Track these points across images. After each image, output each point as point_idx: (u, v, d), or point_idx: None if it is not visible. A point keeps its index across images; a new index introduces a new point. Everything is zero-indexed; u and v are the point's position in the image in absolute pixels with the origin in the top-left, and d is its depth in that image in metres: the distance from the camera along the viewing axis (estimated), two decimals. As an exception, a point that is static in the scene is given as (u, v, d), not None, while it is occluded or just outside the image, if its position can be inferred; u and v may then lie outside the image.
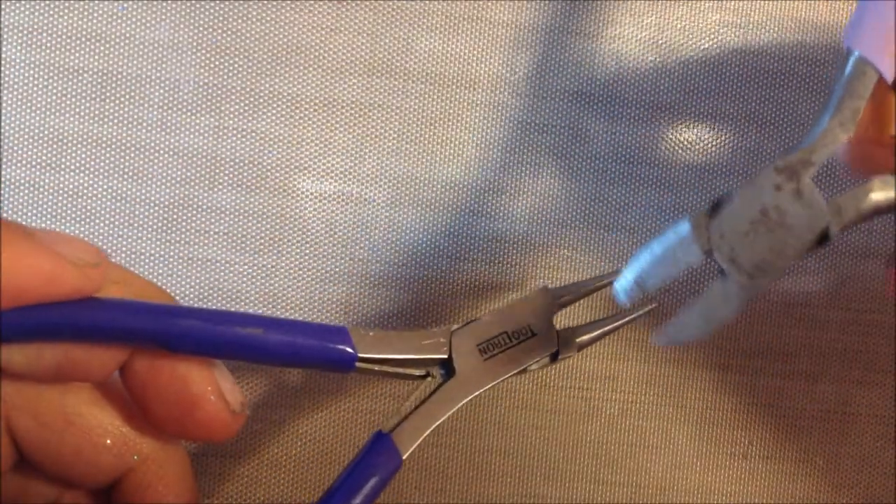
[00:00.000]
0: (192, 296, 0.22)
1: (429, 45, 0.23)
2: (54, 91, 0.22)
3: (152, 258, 0.22)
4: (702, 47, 0.24)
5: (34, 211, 0.22)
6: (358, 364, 0.17)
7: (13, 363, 0.15)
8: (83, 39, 0.22)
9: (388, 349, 0.18)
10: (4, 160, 0.22)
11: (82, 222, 0.22)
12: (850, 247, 0.24)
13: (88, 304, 0.15)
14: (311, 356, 0.17)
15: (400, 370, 0.18)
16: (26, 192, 0.22)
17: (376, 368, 0.18)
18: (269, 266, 0.23)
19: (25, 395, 0.16)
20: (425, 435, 0.18)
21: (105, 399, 0.17)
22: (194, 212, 0.22)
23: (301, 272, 0.23)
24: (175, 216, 0.22)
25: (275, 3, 0.23)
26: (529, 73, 0.23)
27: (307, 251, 0.23)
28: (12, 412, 0.16)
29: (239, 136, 0.23)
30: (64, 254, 0.15)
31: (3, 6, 0.22)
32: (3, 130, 0.22)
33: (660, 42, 0.24)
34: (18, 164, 0.22)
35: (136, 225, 0.22)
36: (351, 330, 0.17)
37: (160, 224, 0.22)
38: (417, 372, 0.18)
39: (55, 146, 0.22)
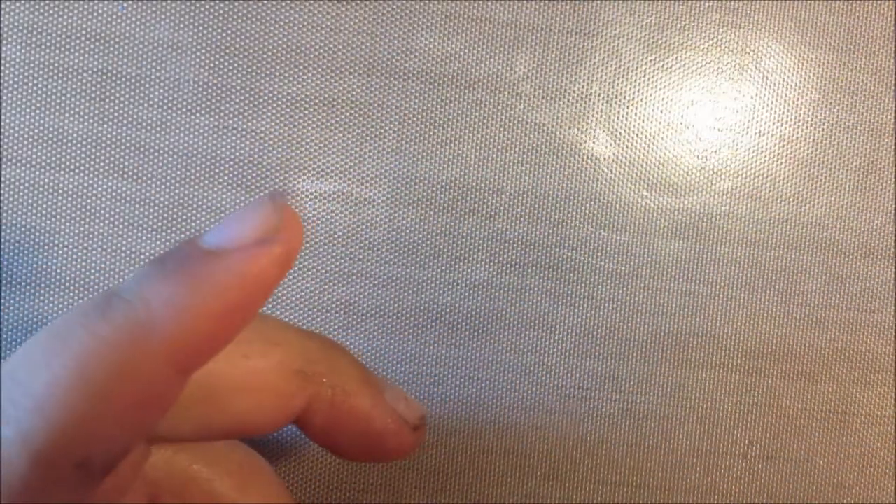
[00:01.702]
0: (191, 296, 0.22)
1: (429, 45, 0.23)
2: (54, 91, 0.22)
3: (152, 258, 0.22)
4: (702, 47, 0.24)
5: (34, 211, 0.22)
6: None
7: (182, 432, 0.15)
8: (83, 39, 0.22)
9: None
10: (4, 160, 0.22)
11: (82, 222, 0.22)
12: (850, 247, 0.24)
13: None
14: None
15: None
16: (26, 191, 0.22)
17: None
18: (269, 266, 0.23)
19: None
20: None
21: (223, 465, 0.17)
22: (194, 212, 0.22)
23: (301, 272, 0.23)
24: (175, 216, 0.22)
25: (275, 3, 0.23)
26: (529, 73, 0.23)
27: (307, 251, 0.23)
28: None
29: (239, 136, 0.23)
30: (405, 415, 0.17)
31: (3, 6, 0.22)
32: (3, 130, 0.22)
33: (660, 42, 0.24)
34: (18, 164, 0.22)
35: (136, 225, 0.22)
36: None
37: (160, 224, 0.22)
38: None
39: (55, 146, 0.22)
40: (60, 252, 0.22)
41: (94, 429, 0.12)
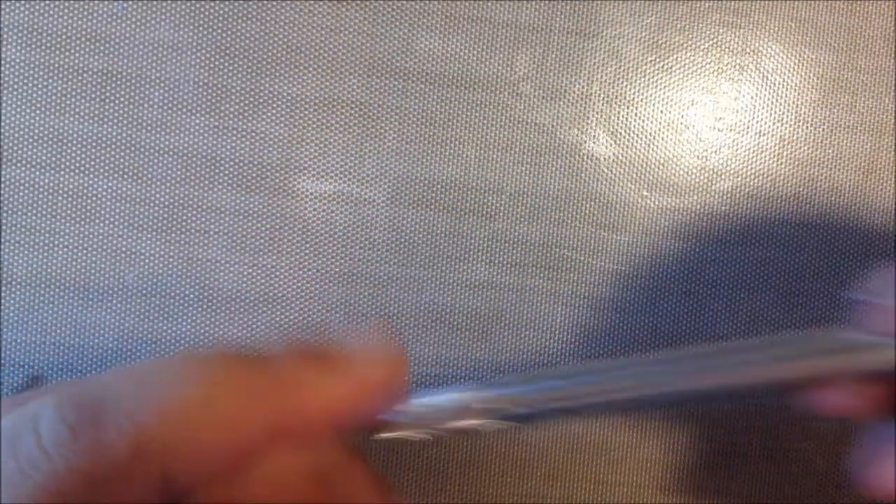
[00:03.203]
0: (192, 296, 0.22)
1: (429, 45, 0.23)
2: (54, 91, 0.22)
3: (152, 258, 0.22)
4: (702, 47, 0.24)
5: (34, 211, 0.22)
6: None
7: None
8: (83, 39, 0.22)
9: None
10: (4, 160, 0.22)
11: (82, 222, 0.22)
12: (850, 247, 0.24)
13: None
14: None
15: None
16: (26, 191, 0.22)
17: None
18: (269, 266, 0.23)
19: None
20: None
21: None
22: (194, 212, 0.22)
23: (301, 272, 0.23)
24: (175, 216, 0.22)
25: (275, 3, 0.23)
26: (529, 73, 0.23)
27: (307, 251, 0.23)
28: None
29: (239, 136, 0.23)
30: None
31: (3, 6, 0.22)
32: (3, 130, 0.22)
33: (660, 42, 0.24)
34: (18, 164, 0.22)
35: (136, 225, 0.22)
36: None
37: (160, 224, 0.22)
38: None
39: (55, 146, 0.22)
40: (60, 252, 0.22)
41: (198, 451, 0.13)
